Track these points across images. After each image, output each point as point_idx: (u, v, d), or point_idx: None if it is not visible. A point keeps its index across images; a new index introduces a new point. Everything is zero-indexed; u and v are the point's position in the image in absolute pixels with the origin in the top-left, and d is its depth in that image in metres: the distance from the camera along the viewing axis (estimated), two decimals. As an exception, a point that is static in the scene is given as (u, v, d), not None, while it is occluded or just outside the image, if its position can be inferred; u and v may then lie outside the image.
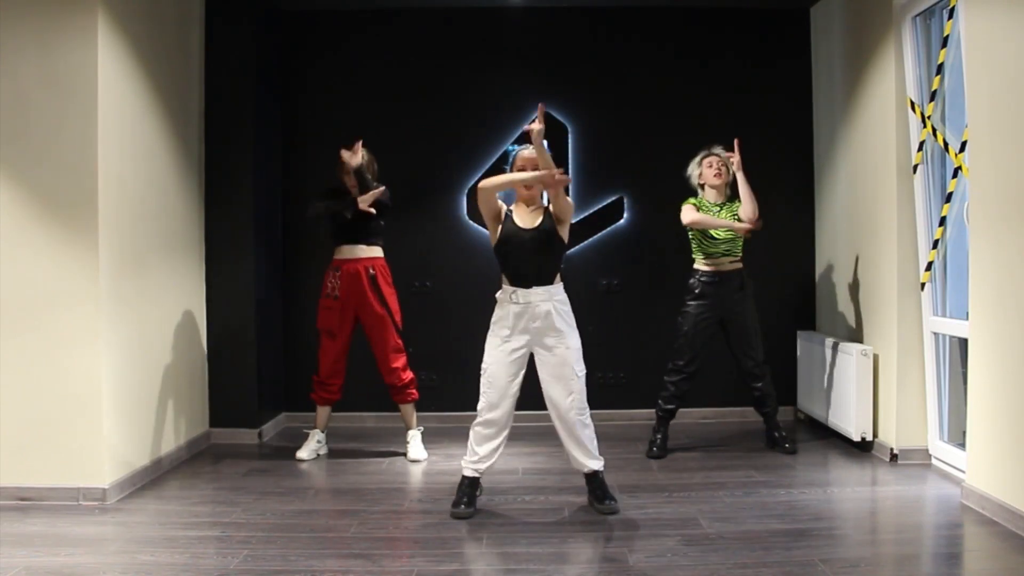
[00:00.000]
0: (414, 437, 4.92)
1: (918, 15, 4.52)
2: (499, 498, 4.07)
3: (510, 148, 3.93)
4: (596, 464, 3.89)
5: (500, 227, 3.84)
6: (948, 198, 4.37)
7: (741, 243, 4.83)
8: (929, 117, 4.45)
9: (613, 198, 5.81)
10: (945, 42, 4.33)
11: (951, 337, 4.47)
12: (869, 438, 4.80)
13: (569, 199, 3.89)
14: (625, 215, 5.81)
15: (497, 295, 3.86)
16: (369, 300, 4.76)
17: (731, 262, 4.83)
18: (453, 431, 5.08)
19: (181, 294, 4.95)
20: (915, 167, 4.59)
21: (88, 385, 4.03)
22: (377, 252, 4.84)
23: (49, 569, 3.21)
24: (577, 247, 5.69)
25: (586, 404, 3.85)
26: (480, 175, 5.75)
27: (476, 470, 3.88)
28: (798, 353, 5.67)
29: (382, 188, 4.71)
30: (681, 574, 3.12)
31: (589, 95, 5.82)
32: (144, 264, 4.49)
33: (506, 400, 3.81)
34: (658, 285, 5.70)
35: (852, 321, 5.22)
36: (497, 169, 5.57)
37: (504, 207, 3.88)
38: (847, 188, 5.28)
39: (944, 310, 4.52)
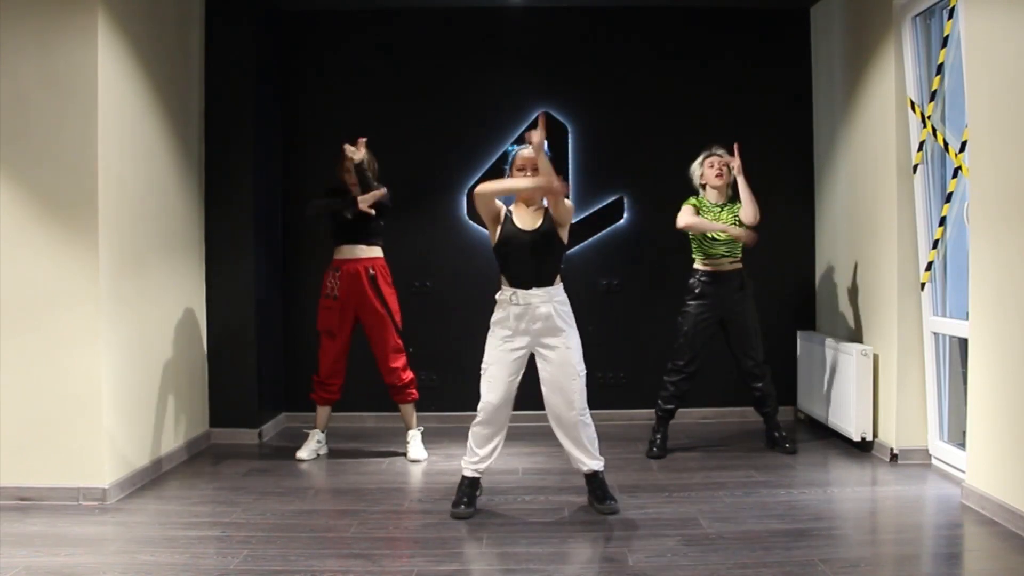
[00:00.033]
0: (414, 437, 4.92)
1: (918, 15, 4.52)
2: (499, 498, 4.07)
3: (510, 148, 3.92)
4: (596, 464, 3.89)
5: (500, 228, 3.83)
6: (948, 198, 4.37)
7: (741, 244, 4.83)
8: (929, 117, 4.46)
9: (613, 198, 5.82)
10: (945, 42, 4.33)
11: (951, 337, 4.47)
12: (869, 438, 4.80)
13: (569, 202, 3.88)
14: (625, 215, 5.82)
15: (497, 296, 3.86)
16: (369, 300, 4.76)
17: (731, 262, 4.83)
18: (453, 431, 5.08)
19: (181, 294, 4.95)
20: (915, 167, 4.59)
21: (88, 385, 4.03)
22: (377, 252, 4.84)
23: (49, 569, 3.21)
24: (577, 247, 5.69)
25: (586, 404, 3.85)
26: (480, 175, 5.75)
27: (476, 470, 3.88)
28: (798, 353, 5.67)
29: (383, 190, 4.71)
30: (681, 574, 3.12)
31: (589, 95, 5.83)
32: (144, 264, 4.49)
33: (506, 400, 3.81)
34: (658, 285, 5.70)
35: (852, 321, 5.22)
36: (497, 169, 5.57)
37: (503, 208, 3.87)
38: (847, 188, 5.28)
39: (944, 310, 4.52)
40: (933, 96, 4.44)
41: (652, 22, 5.82)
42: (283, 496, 4.16)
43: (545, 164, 3.70)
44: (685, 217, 4.77)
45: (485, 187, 3.82)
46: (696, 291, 4.82)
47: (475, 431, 3.86)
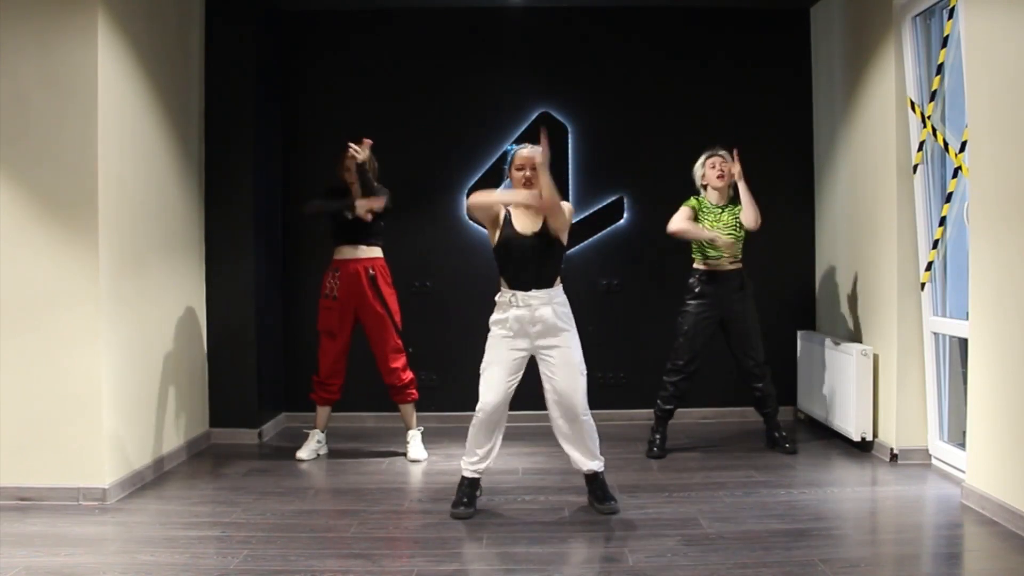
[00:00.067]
0: (414, 437, 4.92)
1: (918, 15, 4.52)
2: (499, 498, 4.07)
3: (509, 148, 3.90)
4: (597, 465, 3.89)
5: (499, 231, 3.82)
6: (948, 198, 4.37)
7: (741, 244, 4.84)
8: (929, 117, 4.46)
9: (613, 198, 5.82)
10: (945, 42, 4.33)
11: (951, 337, 4.47)
12: (869, 438, 4.80)
13: (567, 205, 3.84)
14: (625, 215, 5.82)
15: (497, 298, 3.86)
16: (369, 300, 4.76)
17: (731, 262, 4.83)
18: (453, 431, 5.08)
19: (181, 294, 4.95)
20: (915, 167, 4.59)
21: (88, 385, 4.02)
22: (377, 252, 4.84)
23: (49, 569, 3.21)
24: (577, 247, 5.69)
25: (587, 404, 3.85)
26: (480, 175, 5.76)
27: (476, 471, 3.88)
28: (798, 353, 5.67)
29: (381, 200, 4.68)
30: (681, 574, 3.12)
31: (589, 95, 5.83)
32: (144, 264, 4.49)
33: (504, 401, 3.80)
34: (658, 285, 5.70)
35: (852, 321, 5.22)
36: (497, 169, 5.57)
37: (503, 211, 3.85)
38: (847, 188, 5.28)
39: (944, 310, 4.52)
40: (933, 96, 4.44)
41: (652, 22, 5.82)
42: (283, 496, 4.16)
43: (547, 181, 3.68)
44: (676, 222, 4.78)
45: (476, 200, 3.87)
46: (696, 290, 4.82)
47: (473, 432, 3.86)
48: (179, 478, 4.52)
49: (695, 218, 4.80)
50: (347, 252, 4.79)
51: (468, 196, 5.71)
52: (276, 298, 5.67)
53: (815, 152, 5.80)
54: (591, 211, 5.80)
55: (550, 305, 3.77)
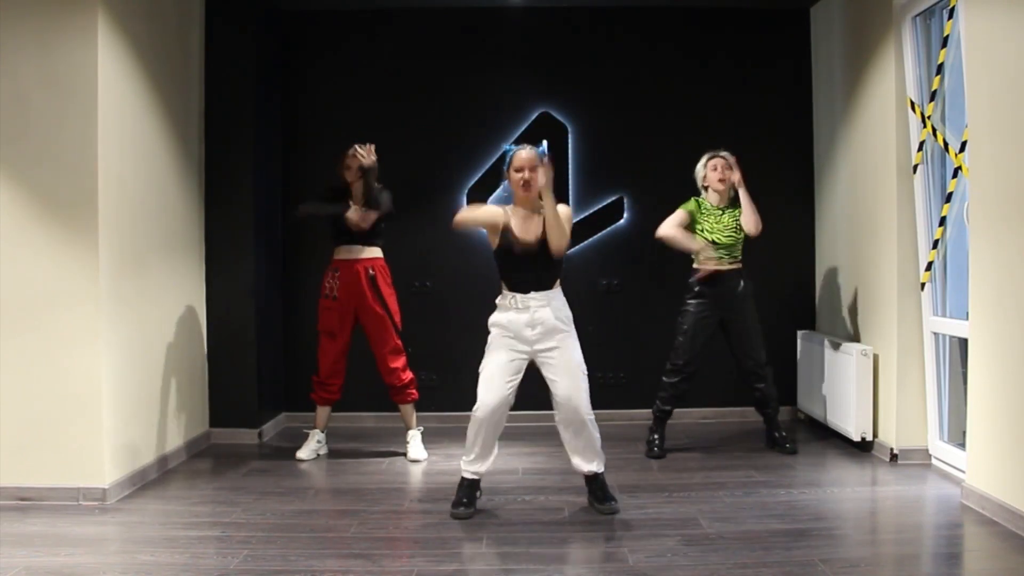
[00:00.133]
0: (414, 437, 4.92)
1: (918, 15, 4.52)
2: (499, 498, 4.07)
3: (507, 148, 3.88)
4: (597, 466, 3.88)
5: (499, 237, 3.80)
6: (948, 198, 4.37)
7: (741, 245, 4.84)
8: (929, 117, 4.46)
9: (613, 198, 5.82)
10: (945, 42, 4.33)
11: (951, 337, 4.47)
12: (869, 438, 4.80)
13: (564, 209, 3.77)
14: (625, 215, 5.82)
15: (497, 300, 3.85)
16: (368, 301, 4.76)
17: (730, 262, 4.83)
18: (453, 431, 5.07)
19: (181, 294, 4.95)
20: (915, 167, 4.59)
21: (88, 385, 4.02)
22: (377, 253, 4.84)
23: (49, 569, 3.21)
24: (577, 247, 5.69)
25: (590, 405, 3.83)
26: (480, 175, 5.76)
27: (474, 473, 3.87)
28: (798, 353, 5.67)
29: (372, 214, 4.67)
30: (681, 574, 3.12)
31: (589, 95, 5.83)
32: (144, 264, 4.49)
33: (502, 403, 3.77)
34: (658, 285, 5.70)
35: (852, 321, 5.22)
36: (496, 170, 5.57)
37: (501, 216, 3.81)
38: (847, 188, 5.28)
39: (944, 310, 4.52)
40: (933, 96, 4.44)
41: (652, 22, 5.82)
42: (283, 496, 4.16)
43: (550, 203, 3.67)
44: (665, 228, 4.81)
45: (463, 218, 3.88)
46: (696, 290, 4.82)
47: (471, 433, 3.83)
48: (179, 478, 4.52)
49: (692, 221, 4.82)
50: (347, 252, 4.79)
51: (467, 197, 5.75)
52: (276, 298, 5.67)
53: (815, 152, 5.80)
54: (591, 211, 5.80)
55: (549, 307, 3.77)
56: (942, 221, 4.44)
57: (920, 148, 4.55)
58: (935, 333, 4.54)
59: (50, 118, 4.01)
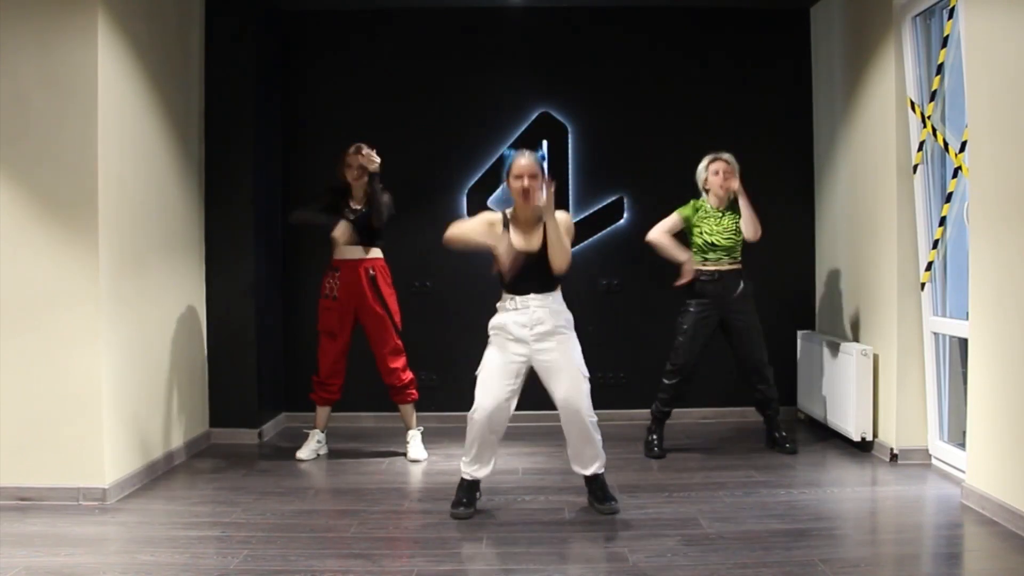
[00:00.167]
0: (414, 437, 4.92)
1: (918, 15, 4.52)
2: (499, 498, 4.07)
3: (506, 153, 3.86)
4: (598, 468, 3.88)
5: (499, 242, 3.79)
6: (948, 198, 4.37)
7: (740, 247, 4.84)
8: (929, 117, 4.45)
9: (613, 198, 5.82)
10: (945, 42, 4.33)
11: (951, 337, 4.47)
12: (869, 438, 4.80)
13: (563, 217, 3.75)
14: (625, 215, 5.82)
15: (497, 304, 3.84)
16: (369, 301, 4.76)
17: (730, 263, 4.83)
18: (453, 431, 5.07)
19: (181, 294, 4.95)
20: (915, 167, 4.59)
21: (88, 385, 4.02)
22: (377, 253, 4.84)
23: (49, 569, 3.21)
24: (577, 247, 5.67)
25: (592, 407, 3.82)
26: (480, 175, 5.76)
27: (473, 475, 3.86)
28: (798, 353, 5.67)
29: (347, 233, 4.71)
30: (681, 574, 3.12)
31: (589, 95, 5.83)
32: (144, 264, 4.49)
33: (500, 407, 3.74)
34: (658, 285, 5.68)
35: (852, 321, 5.22)
36: (495, 171, 5.57)
37: (497, 227, 3.79)
38: (847, 188, 5.28)
39: (944, 310, 4.52)
40: (933, 96, 4.44)
41: (652, 22, 5.82)
42: (283, 496, 4.16)
43: (553, 225, 3.65)
44: (656, 233, 4.86)
45: (454, 235, 3.80)
46: (696, 290, 4.81)
47: (469, 435, 3.82)
48: (179, 478, 4.52)
49: (689, 225, 4.84)
50: (347, 252, 4.79)
51: (467, 197, 5.75)
52: (276, 298, 5.67)
53: (815, 152, 5.80)
54: (591, 211, 5.80)
55: (548, 308, 3.76)
56: (942, 221, 4.44)
57: (920, 148, 4.55)
58: (935, 333, 4.54)
59: (50, 118, 4.01)
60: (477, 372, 3.82)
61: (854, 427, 4.80)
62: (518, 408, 3.88)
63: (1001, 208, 3.64)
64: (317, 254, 5.20)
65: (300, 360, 5.59)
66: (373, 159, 4.66)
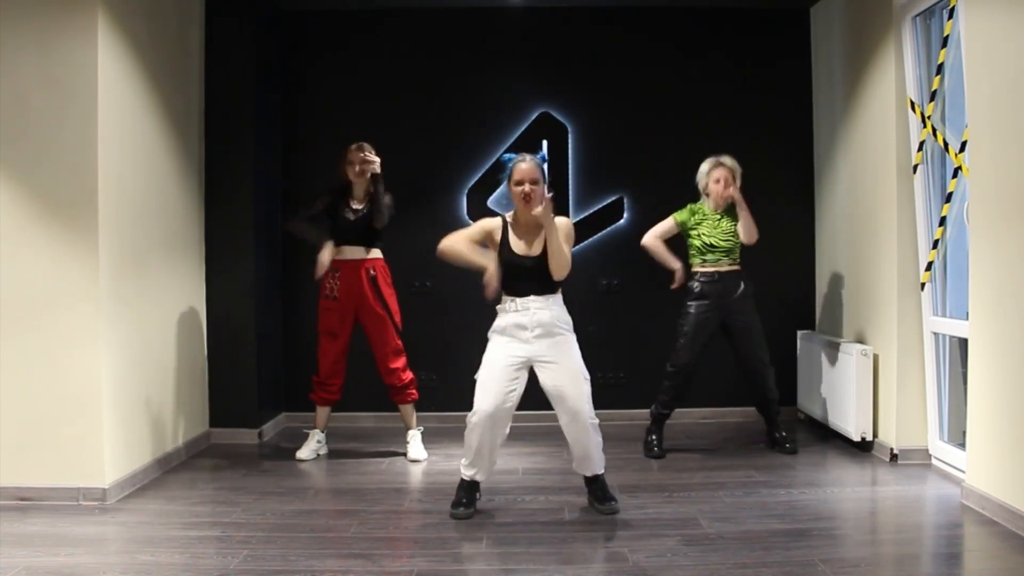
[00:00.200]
0: (414, 437, 4.92)
1: (918, 15, 4.52)
2: (499, 498, 4.07)
3: (506, 157, 3.85)
4: (599, 469, 3.88)
5: (497, 252, 3.80)
6: (948, 198, 4.37)
7: (739, 249, 4.84)
8: (929, 117, 4.46)
9: (613, 198, 5.82)
10: (945, 42, 4.33)
11: (951, 337, 4.47)
12: (869, 438, 4.80)
13: (563, 222, 3.76)
14: (625, 215, 5.82)
15: (497, 307, 3.84)
16: (369, 301, 4.76)
17: (729, 264, 4.83)
18: (453, 431, 5.06)
19: (181, 294, 4.95)
20: (915, 167, 4.59)
21: (88, 385, 4.02)
22: (377, 253, 4.84)
23: (49, 569, 3.21)
24: (577, 247, 5.67)
25: (593, 409, 3.81)
26: (480, 175, 5.76)
27: (473, 476, 3.86)
28: (798, 353, 5.67)
29: (328, 254, 4.73)
30: (681, 574, 3.12)
31: (589, 95, 5.83)
32: (144, 264, 4.49)
33: (499, 410, 3.72)
34: (658, 285, 5.67)
35: (852, 321, 5.22)
36: (492, 178, 5.56)
37: (499, 230, 3.80)
38: (847, 188, 5.28)
39: (944, 310, 4.52)
40: (933, 96, 4.44)
41: (652, 22, 5.82)
42: (283, 496, 4.16)
43: (553, 234, 3.66)
44: (649, 238, 4.90)
45: (447, 249, 3.82)
46: (696, 291, 4.82)
47: (467, 439, 3.81)
48: (179, 478, 4.52)
49: (686, 228, 4.84)
50: (347, 253, 4.79)
51: (467, 197, 5.75)
52: (276, 298, 5.67)
53: (815, 152, 5.80)
54: (591, 211, 5.80)
55: (549, 310, 3.75)
56: (942, 221, 4.44)
57: (920, 148, 4.55)
58: (935, 333, 4.54)
59: (50, 118, 4.01)
60: (477, 375, 3.81)
61: (854, 427, 4.80)
62: (518, 408, 3.87)
63: (1001, 208, 3.64)
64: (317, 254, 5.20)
65: (300, 360, 5.59)
66: (370, 160, 4.65)
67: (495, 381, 3.73)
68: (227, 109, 5.25)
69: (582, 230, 5.66)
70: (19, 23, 3.99)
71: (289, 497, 4.14)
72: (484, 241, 3.86)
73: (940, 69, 4.39)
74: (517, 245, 3.79)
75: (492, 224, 3.86)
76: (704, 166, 4.85)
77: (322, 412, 4.95)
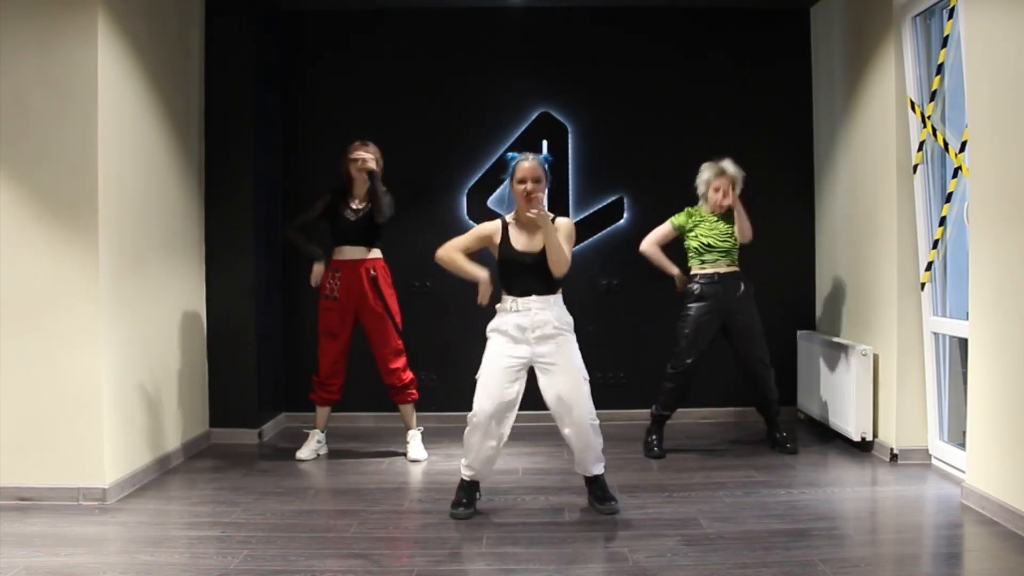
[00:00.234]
0: (414, 437, 4.92)
1: (918, 15, 4.52)
2: (499, 498, 4.07)
3: (509, 156, 3.85)
4: (599, 469, 3.88)
5: (498, 250, 3.80)
6: (948, 198, 4.37)
7: (737, 250, 4.84)
8: (929, 117, 4.46)
9: (613, 198, 5.82)
10: (945, 42, 4.33)
11: (951, 337, 4.47)
12: (869, 438, 4.80)
13: (564, 223, 3.77)
14: (625, 215, 5.82)
15: (497, 306, 3.84)
16: (369, 301, 4.76)
17: (728, 265, 4.83)
18: (453, 431, 5.06)
19: (181, 294, 4.95)
20: (915, 167, 4.59)
21: (88, 385, 4.02)
22: (377, 253, 4.84)
23: (49, 569, 3.21)
24: (577, 247, 5.67)
25: (594, 410, 3.81)
26: (480, 175, 5.76)
27: (473, 477, 3.86)
28: (798, 353, 5.67)
29: (319, 274, 4.78)
30: (681, 574, 3.12)
31: (589, 95, 5.83)
32: (144, 264, 4.49)
33: (500, 410, 3.72)
34: (658, 285, 5.68)
35: (852, 321, 5.22)
36: (493, 178, 5.56)
37: (498, 232, 3.81)
38: (847, 188, 5.28)
39: (944, 310, 4.52)
40: (933, 96, 4.44)
41: (652, 22, 5.82)
42: (283, 496, 4.16)
43: (552, 235, 3.66)
44: (647, 244, 4.91)
45: (445, 257, 3.83)
46: (696, 293, 4.81)
47: (467, 439, 3.81)
48: (179, 478, 4.52)
49: (684, 231, 4.85)
50: (347, 253, 4.79)
51: (467, 197, 5.75)
52: (276, 298, 5.67)
53: (815, 152, 5.80)
54: (591, 211, 5.80)
55: (549, 311, 3.75)
56: (942, 221, 4.44)
57: (920, 148, 4.55)
58: (935, 333, 4.54)
59: (50, 118, 4.01)
60: (477, 375, 3.81)
61: (854, 427, 4.80)
62: (518, 408, 3.87)
63: (1001, 208, 3.64)
64: (317, 254, 5.21)
65: (300, 360, 5.59)
66: (366, 157, 4.65)
67: (495, 381, 3.73)
68: (227, 109, 5.25)
69: (582, 230, 5.65)
70: (19, 23, 3.99)
71: (289, 497, 4.14)
72: (483, 247, 3.86)
73: (940, 69, 4.39)
74: (518, 242, 3.79)
75: (491, 228, 3.86)
76: (706, 172, 4.83)
77: (322, 412, 4.95)
